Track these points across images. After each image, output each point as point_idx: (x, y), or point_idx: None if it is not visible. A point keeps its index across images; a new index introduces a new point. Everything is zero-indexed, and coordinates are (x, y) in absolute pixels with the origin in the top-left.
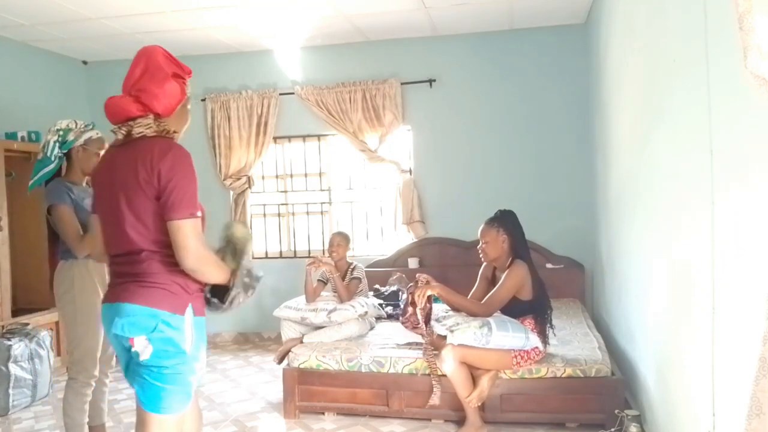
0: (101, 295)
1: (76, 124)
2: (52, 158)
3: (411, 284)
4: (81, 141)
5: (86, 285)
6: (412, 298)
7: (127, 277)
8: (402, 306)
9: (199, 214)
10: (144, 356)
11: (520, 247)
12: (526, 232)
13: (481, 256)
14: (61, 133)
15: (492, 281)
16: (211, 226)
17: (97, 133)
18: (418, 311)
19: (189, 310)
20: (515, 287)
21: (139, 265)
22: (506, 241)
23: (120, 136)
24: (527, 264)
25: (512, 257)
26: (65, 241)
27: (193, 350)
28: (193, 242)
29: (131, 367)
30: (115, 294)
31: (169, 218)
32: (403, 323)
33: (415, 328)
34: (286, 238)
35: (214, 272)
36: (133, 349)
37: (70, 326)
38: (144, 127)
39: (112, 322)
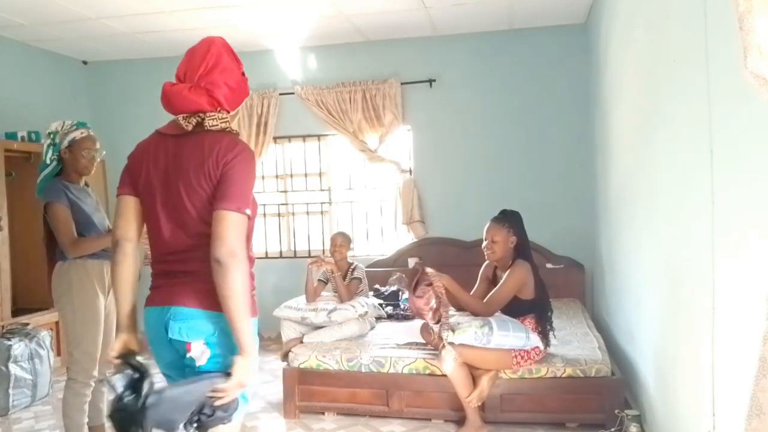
0: (100, 296)
1: (63, 125)
2: (48, 161)
3: (419, 263)
4: (65, 143)
5: (85, 286)
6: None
7: (180, 277)
8: (412, 287)
9: (248, 212)
10: (200, 362)
11: (525, 248)
12: (526, 232)
13: (486, 254)
14: (51, 136)
15: (492, 281)
16: None
17: (82, 133)
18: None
19: None
20: (517, 286)
21: (194, 263)
22: (514, 242)
23: (189, 127)
24: (529, 263)
25: (514, 257)
26: (58, 240)
27: None
28: (232, 234)
29: (186, 375)
30: (168, 296)
31: (216, 207)
32: (419, 308)
33: (429, 312)
34: (286, 238)
35: (238, 279)
36: (188, 355)
37: (69, 327)
38: (219, 120)
39: (167, 327)
